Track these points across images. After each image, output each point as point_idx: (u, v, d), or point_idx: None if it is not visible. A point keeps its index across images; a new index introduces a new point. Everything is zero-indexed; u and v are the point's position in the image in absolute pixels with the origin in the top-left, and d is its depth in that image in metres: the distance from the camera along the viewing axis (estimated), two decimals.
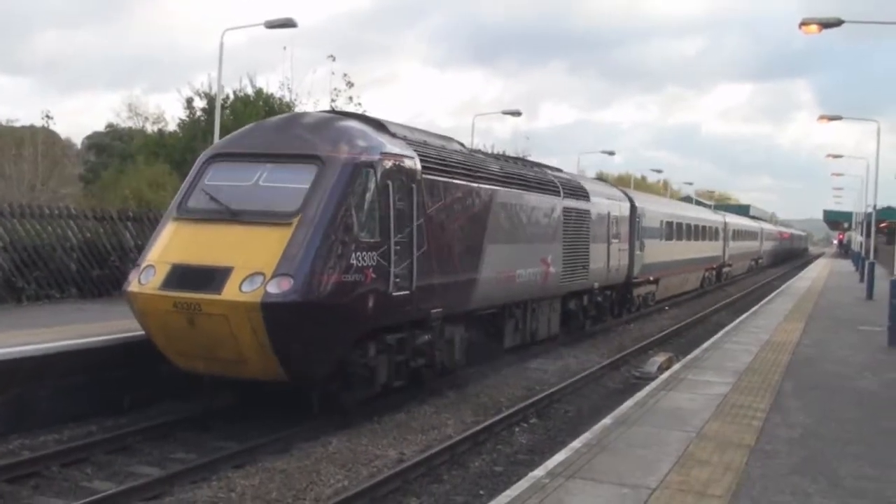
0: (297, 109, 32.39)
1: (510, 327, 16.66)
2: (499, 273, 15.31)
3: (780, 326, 20.17)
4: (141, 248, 19.09)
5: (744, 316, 23.11)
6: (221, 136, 21.38)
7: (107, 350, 11.91)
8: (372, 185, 11.41)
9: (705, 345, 16.85)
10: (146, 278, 10.91)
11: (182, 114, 32.36)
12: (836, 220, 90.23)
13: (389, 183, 11.69)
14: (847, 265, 63.95)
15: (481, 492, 9.37)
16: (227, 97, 30.22)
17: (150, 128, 39.54)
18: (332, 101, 32.47)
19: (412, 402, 13.08)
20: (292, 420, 11.58)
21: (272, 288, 10.16)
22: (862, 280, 36.52)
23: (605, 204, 22.93)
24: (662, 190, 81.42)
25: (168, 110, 66.24)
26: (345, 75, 32.83)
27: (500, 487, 8.89)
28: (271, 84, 34.37)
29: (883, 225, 53.51)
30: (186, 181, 12.05)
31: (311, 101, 32.72)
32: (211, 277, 10.39)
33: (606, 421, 9.93)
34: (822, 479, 7.87)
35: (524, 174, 17.65)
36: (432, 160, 13.19)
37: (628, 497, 7.14)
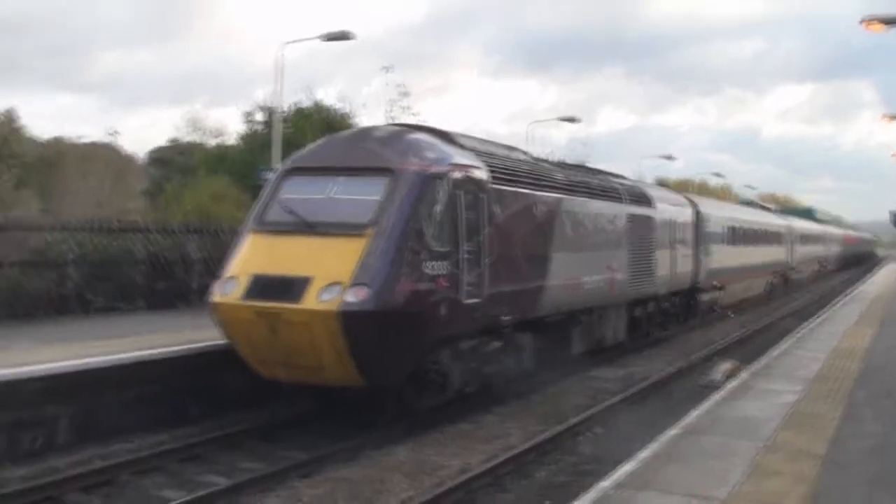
0: (355, 121, 32.73)
1: (577, 334, 16.72)
2: (566, 280, 15.45)
3: (850, 332, 19.70)
4: (205, 260, 19.53)
5: (812, 322, 22.64)
6: (282, 148, 21.68)
7: (176, 360, 12.13)
8: (442, 196, 11.70)
9: (773, 352, 16.52)
10: (229, 289, 11.37)
11: (242, 127, 32.87)
12: None
13: (459, 193, 11.98)
14: None
15: (547, 502, 9.31)
16: (286, 110, 30.62)
17: (211, 142, 40.13)
18: (388, 111, 32.72)
19: (476, 411, 13.06)
20: (359, 429, 11.66)
21: (349, 297, 10.56)
22: None
23: (669, 210, 22.84)
24: (723, 194, 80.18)
25: (229, 124, 67.12)
26: (399, 85, 33.05)
27: (566, 498, 8.82)
28: (329, 96, 34.76)
29: None
30: (264, 195, 12.50)
31: (367, 112, 33.05)
32: (290, 287, 10.81)
33: (674, 430, 9.79)
34: None
35: (588, 182, 17.73)
36: (499, 170, 13.41)
37: None
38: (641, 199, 20.68)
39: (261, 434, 11.74)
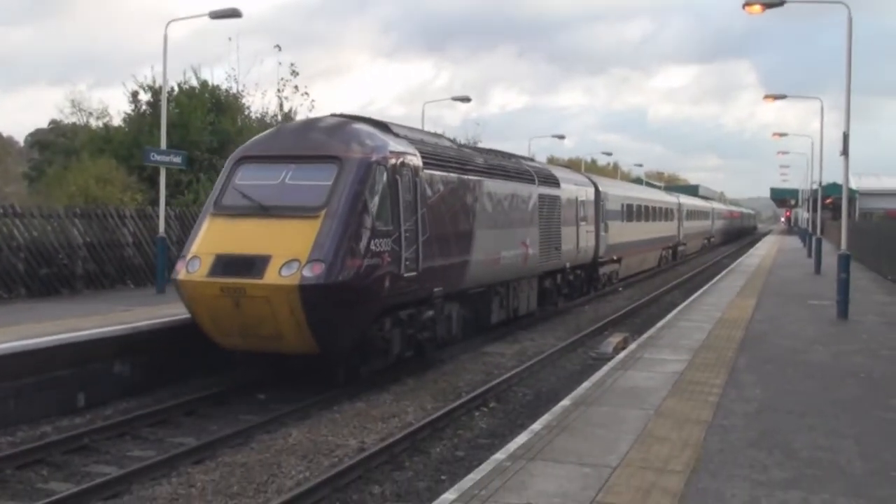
0: (245, 101, 32.14)
1: (496, 304, 18.33)
2: (487, 255, 17.02)
3: (733, 303, 20.47)
4: (90, 246, 18.93)
5: (697, 294, 23.40)
6: (168, 129, 21.06)
7: (59, 349, 11.72)
8: (383, 181, 12.94)
9: (660, 323, 17.01)
10: (193, 267, 12.26)
11: (127, 108, 31.74)
12: (782, 197, 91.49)
13: (398, 178, 13.27)
14: (795, 241, 65.07)
15: (443, 477, 9.38)
16: (173, 90, 29.73)
17: (95, 123, 38.53)
18: (279, 91, 32.27)
19: (372, 390, 13.06)
20: (251, 413, 11.57)
21: (307, 272, 11.65)
22: (810, 255, 37.18)
23: (573, 189, 24.51)
24: (613, 172, 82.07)
25: (113, 105, 64.79)
26: (291, 65, 32.59)
27: (462, 472, 8.91)
28: (217, 76, 33.59)
29: (828, 201, 54.45)
30: (219, 181, 13.49)
31: (258, 93, 32.55)
32: (252, 264, 11.85)
33: (565, 402, 9.99)
34: (778, 452, 8.00)
35: (504, 165, 19.39)
36: (430, 156, 14.81)
37: (590, 476, 7.19)
38: (550, 179, 22.38)
39: (150, 421, 11.45)
